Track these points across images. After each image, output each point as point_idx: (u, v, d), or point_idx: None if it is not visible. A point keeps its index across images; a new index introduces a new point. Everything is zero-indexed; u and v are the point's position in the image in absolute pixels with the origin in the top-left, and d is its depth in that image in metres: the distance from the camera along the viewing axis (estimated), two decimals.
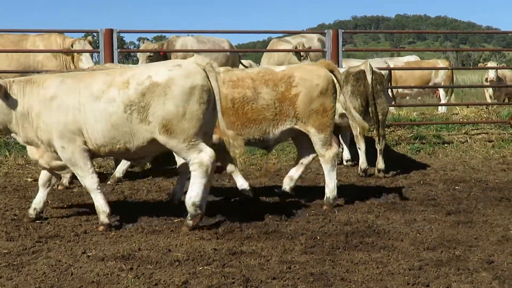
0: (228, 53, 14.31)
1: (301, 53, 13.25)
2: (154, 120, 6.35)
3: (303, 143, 7.98)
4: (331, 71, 7.69)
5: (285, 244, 6.15)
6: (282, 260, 5.68)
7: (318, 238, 6.38)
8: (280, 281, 5.16)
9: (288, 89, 7.49)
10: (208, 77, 6.52)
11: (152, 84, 6.36)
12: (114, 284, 5.11)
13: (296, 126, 7.59)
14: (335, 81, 7.70)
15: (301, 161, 8.12)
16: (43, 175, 7.13)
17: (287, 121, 7.55)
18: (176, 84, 6.35)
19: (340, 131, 10.74)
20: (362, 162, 9.89)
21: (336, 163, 7.73)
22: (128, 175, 9.64)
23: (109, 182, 9.18)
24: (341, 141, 10.87)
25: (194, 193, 6.51)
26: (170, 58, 13.08)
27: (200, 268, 5.45)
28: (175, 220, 7.00)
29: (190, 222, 6.61)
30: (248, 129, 7.47)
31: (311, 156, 8.00)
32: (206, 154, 6.46)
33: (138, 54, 12.26)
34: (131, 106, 6.35)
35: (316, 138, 7.59)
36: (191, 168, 6.54)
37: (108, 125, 6.43)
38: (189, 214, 6.60)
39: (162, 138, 6.42)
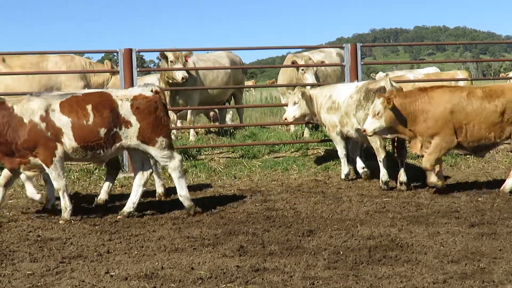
0: (229, 70, 14.06)
1: (301, 68, 13.11)
2: None
3: None
4: None
5: (308, 260, 6.13)
6: (305, 276, 5.66)
7: (341, 253, 6.35)
8: None
9: None
10: None
11: None
12: None
13: None
14: None
15: None
16: None
17: None
18: None
19: (353, 145, 10.65)
20: (383, 174, 9.83)
21: None
22: (150, 193, 9.67)
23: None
24: (350, 153, 10.73)
25: None
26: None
27: (223, 286, 5.45)
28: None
29: None
30: None
31: None
32: None
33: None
34: None
35: None
36: None
37: None
38: None
39: None
